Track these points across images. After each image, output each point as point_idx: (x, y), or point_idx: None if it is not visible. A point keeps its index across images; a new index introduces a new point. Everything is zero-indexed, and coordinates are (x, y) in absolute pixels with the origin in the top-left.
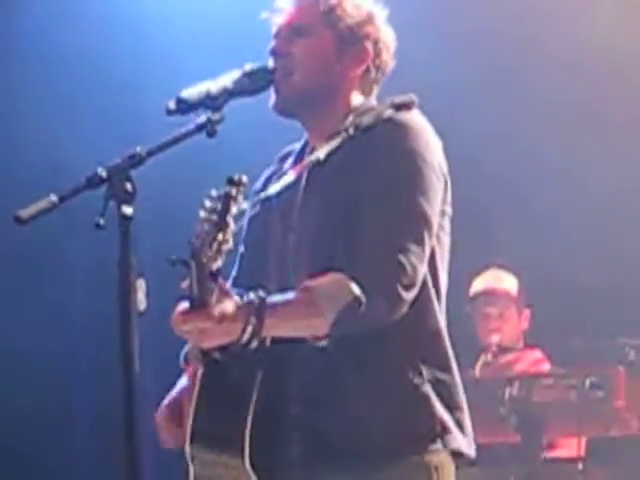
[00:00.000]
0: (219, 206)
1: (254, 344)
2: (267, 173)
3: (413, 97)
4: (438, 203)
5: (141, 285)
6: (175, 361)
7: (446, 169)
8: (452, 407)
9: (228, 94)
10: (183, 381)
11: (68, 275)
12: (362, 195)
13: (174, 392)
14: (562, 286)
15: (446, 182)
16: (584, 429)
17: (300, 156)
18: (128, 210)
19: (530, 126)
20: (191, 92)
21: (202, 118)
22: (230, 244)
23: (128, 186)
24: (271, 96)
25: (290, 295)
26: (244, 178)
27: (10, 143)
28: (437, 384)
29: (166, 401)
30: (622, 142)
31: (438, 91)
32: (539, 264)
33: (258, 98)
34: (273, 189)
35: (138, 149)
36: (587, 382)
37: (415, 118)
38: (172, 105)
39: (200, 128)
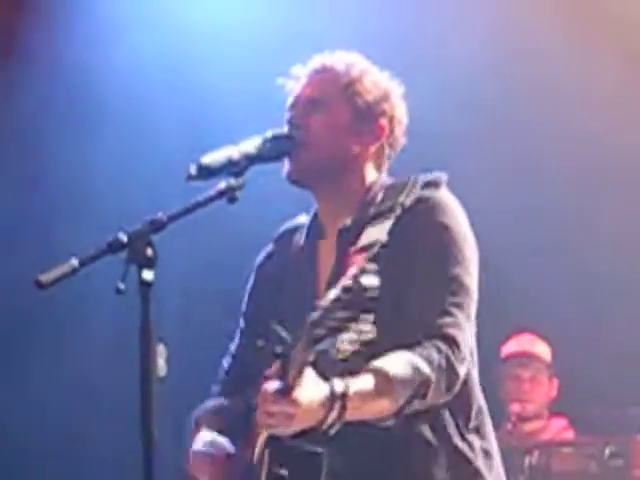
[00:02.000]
0: (350, 296)
1: (334, 430)
2: (266, 251)
3: (441, 175)
4: (476, 276)
5: (162, 351)
6: None
7: (474, 241)
8: (497, 476)
9: (250, 160)
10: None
11: (89, 341)
12: (410, 275)
13: (208, 439)
14: (583, 355)
15: (476, 253)
16: None
17: (314, 231)
18: (149, 275)
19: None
20: (212, 158)
21: (223, 184)
22: (370, 333)
23: (149, 251)
24: (285, 165)
25: (367, 379)
26: (372, 267)
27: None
28: (486, 457)
29: (201, 444)
30: None
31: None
32: (564, 332)
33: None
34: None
35: (159, 214)
36: (607, 451)
37: (448, 196)
38: (193, 171)
39: (221, 194)
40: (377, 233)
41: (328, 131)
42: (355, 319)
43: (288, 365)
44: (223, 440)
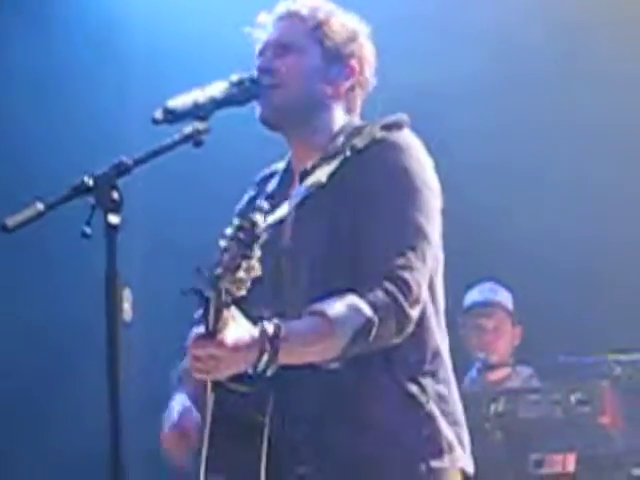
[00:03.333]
0: (243, 234)
1: (269, 372)
2: (248, 195)
3: (404, 117)
4: (436, 220)
5: (127, 295)
6: (160, 370)
7: (438, 187)
8: (453, 423)
9: (215, 104)
10: (180, 400)
11: (54, 284)
12: (362, 216)
13: (175, 414)
14: (547, 301)
15: (439, 199)
16: (570, 445)
17: (286, 177)
18: (114, 219)
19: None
20: (178, 102)
21: (189, 128)
22: (257, 271)
23: (115, 195)
24: (257, 108)
25: (304, 321)
26: (266, 205)
27: None
28: (440, 401)
29: (170, 424)
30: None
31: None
32: (527, 279)
33: (244, 109)
34: (280, 213)
35: (124, 158)
36: (573, 398)
37: (407, 137)
38: (159, 115)
39: (187, 138)
40: (320, 175)
41: (298, 73)
42: (246, 256)
43: (208, 307)
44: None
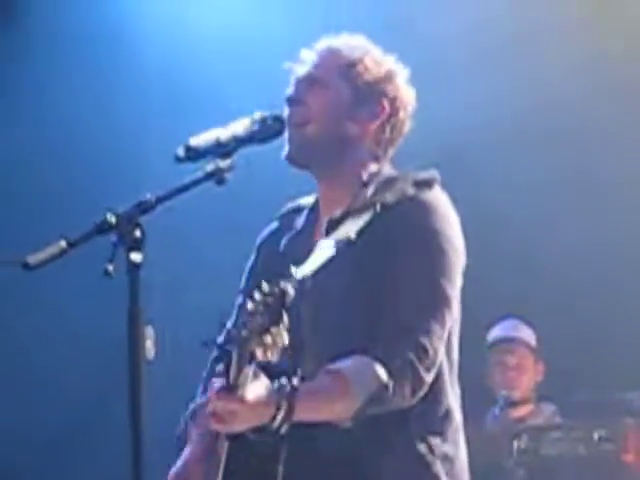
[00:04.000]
0: (271, 300)
1: (284, 430)
2: (270, 228)
3: (435, 174)
4: (458, 281)
5: (150, 333)
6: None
7: (463, 246)
8: None
9: (238, 142)
10: (188, 450)
11: (78, 323)
12: (385, 275)
13: (182, 461)
14: (570, 337)
15: (463, 259)
16: None
17: (312, 217)
18: (137, 257)
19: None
20: (200, 139)
21: (211, 166)
22: (285, 339)
23: (137, 233)
24: (284, 146)
25: (321, 380)
26: (295, 272)
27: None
28: (446, 461)
29: (175, 470)
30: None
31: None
32: (549, 316)
33: (268, 147)
34: (308, 268)
35: (148, 196)
36: (596, 435)
37: (438, 197)
38: (181, 152)
39: (209, 176)
40: (349, 229)
41: (327, 109)
42: (273, 323)
43: (230, 362)
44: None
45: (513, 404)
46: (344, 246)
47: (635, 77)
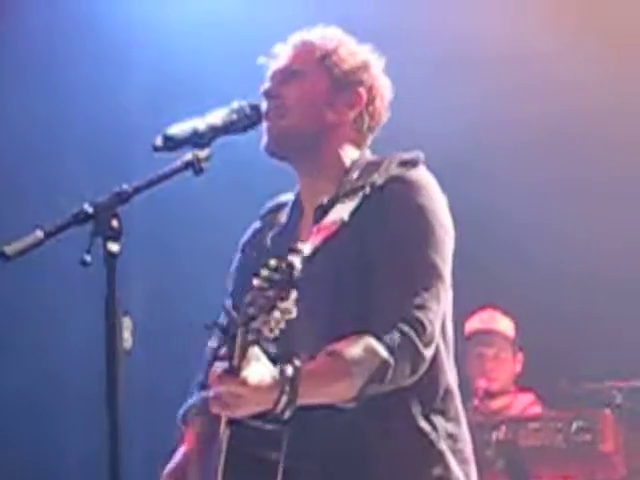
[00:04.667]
0: (279, 275)
1: (287, 414)
2: (254, 227)
3: (419, 153)
4: (449, 258)
5: (127, 323)
6: (163, 402)
7: (452, 225)
8: (462, 461)
9: (216, 131)
10: (182, 446)
11: (53, 312)
12: (377, 255)
13: (176, 459)
14: (549, 328)
15: (452, 237)
16: (571, 473)
17: (295, 210)
18: (114, 247)
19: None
20: (178, 129)
21: (189, 155)
22: (293, 313)
23: (114, 223)
24: (261, 137)
25: (321, 362)
26: (302, 246)
27: None
28: (450, 439)
29: (169, 469)
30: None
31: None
32: (529, 306)
33: (246, 137)
34: (302, 246)
35: (125, 186)
36: (574, 425)
37: (423, 175)
38: (159, 142)
39: (187, 166)
40: (340, 212)
41: (304, 100)
42: (282, 297)
43: (233, 345)
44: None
45: (492, 395)
46: (337, 228)
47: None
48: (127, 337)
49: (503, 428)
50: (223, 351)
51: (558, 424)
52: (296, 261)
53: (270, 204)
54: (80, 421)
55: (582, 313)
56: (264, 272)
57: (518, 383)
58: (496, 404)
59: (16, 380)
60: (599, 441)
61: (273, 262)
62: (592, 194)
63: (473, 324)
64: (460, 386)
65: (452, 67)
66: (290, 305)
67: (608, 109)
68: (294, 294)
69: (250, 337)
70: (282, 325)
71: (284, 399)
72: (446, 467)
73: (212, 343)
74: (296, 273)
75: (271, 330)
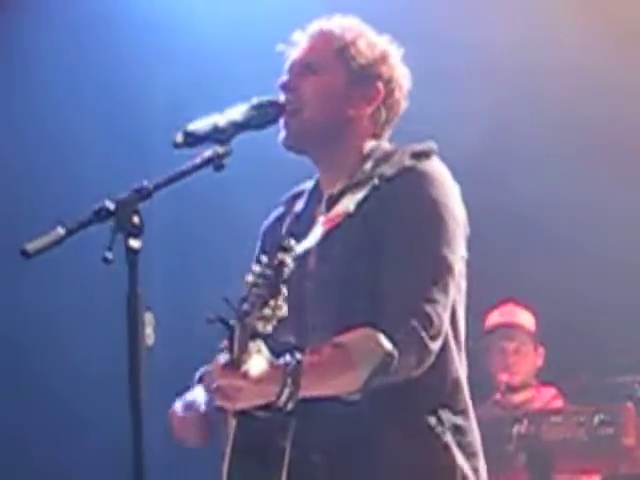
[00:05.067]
0: (270, 272)
1: (290, 406)
2: (275, 214)
3: (433, 144)
4: (460, 250)
5: (149, 319)
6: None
7: (464, 215)
8: (470, 455)
9: (236, 127)
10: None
11: (76, 311)
12: (387, 246)
13: (191, 400)
14: (570, 321)
15: (465, 228)
16: (594, 466)
17: (313, 197)
18: (136, 243)
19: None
20: (198, 125)
21: (209, 152)
22: (284, 310)
23: (135, 219)
24: (280, 131)
25: (324, 354)
26: (294, 244)
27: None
28: (456, 432)
29: (181, 405)
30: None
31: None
32: (550, 300)
33: (266, 132)
34: (309, 242)
35: (145, 182)
36: (596, 419)
37: (436, 166)
38: (179, 138)
39: (207, 162)
40: (347, 203)
41: (321, 94)
42: (272, 295)
43: (233, 337)
44: (201, 399)
45: (513, 389)
46: (343, 219)
47: None
48: (149, 333)
49: (525, 422)
50: (224, 343)
51: (580, 418)
52: (287, 259)
53: (293, 191)
54: (103, 418)
55: (604, 307)
56: (256, 268)
57: (540, 378)
58: (518, 398)
59: (39, 378)
60: (621, 435)
61: (265, 259)
62: (611, 190)
63: (494, 318)
64: (481, 380)
65: (471, 76)
66: (280, 302)
67: (623, 114)
68: (284, 291)
69: (248, 331)
70: (274, 322)
71: (286, 392)
72: (451, 460)
73: None
74: (287, 271)
75: (264, 326)
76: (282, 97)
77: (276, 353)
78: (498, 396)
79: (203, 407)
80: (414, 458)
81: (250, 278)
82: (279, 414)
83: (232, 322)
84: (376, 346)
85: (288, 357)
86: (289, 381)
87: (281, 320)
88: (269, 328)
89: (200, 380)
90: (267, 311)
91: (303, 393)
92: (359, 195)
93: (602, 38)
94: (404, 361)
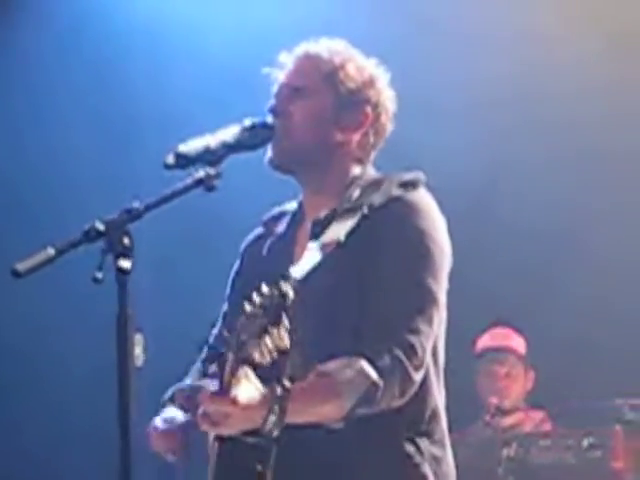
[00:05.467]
0: (271, 302)
1: (275, 433)
2: (256, 233)
3: (420, 174)
4: (444, 282)
5: (139, 340)
6: None
7: (450, 247)
8: None
9: (227, 149)
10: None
11: (66, 330)
12: (373, 276)
13: (162, 416)
14: (558, 346)
15: (449, 260)
16: None
17: (296, 219)
18: (126, 264)
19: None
20: (190, 146)
21: (200, 173)
22: (286, 342)
23: (126, 240)
24: (267, 152)
25: (311, 383)
26: (294, 274)
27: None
28: (434, 462)
29: (156, 423)
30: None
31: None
32: (539, 324)
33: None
34: (301, 269)
35: (136, 203)
36: (585, 442)
37: (423, 197)
38: (170, 160)
39: (198, 183)
40: (337, 231)
41: (310, 118)
42: (274, 325)
43: (224, 366)
44: (179, 416)
45: (503, 412)
46: (333, 248)
47: None
48: (139, 354)
49: (514, 445)
50: (212, 369)
51: (569, 441)
52: (288, 289)
53: (274, 211)
54: (90, 438)
55: (593, 330)
56: (256, 298)
57: (529, 401)
58: (507, 421)
59: (31, 390)
60: (610, 458)
61: (265, 289)
62: (607, 217)
63: (485, 341)
64: (471, 402)
65: (472, 107)
66: (282, 332)
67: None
68: (286, 322)
69: (240, 363)
70: (274, 353)
71: (272, 418)
72: None
73: (208, 343)
74: (288, 302)
75: (262, 355)
76: (270, 120)
77: (261, 378)
78: (487, 418)
79: (182, 422)
80: None
81: (248, 308)
82: (263, 439)
83: (225, 351)
84: (362, 376)
85: (275, 385)
86: (276, 408)
87: (283, 353)
88: (267, 360)
89: (171, 400)
90: (267, 341)
91: (289, 419)
92: (349, 223)
93: (600, 60)
94: (388, 391)
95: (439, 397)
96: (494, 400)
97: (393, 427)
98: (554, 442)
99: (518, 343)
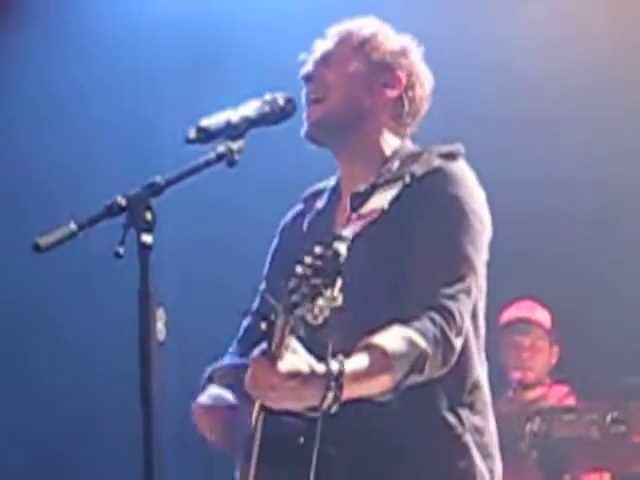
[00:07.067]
0: (324, 263)
1: (333, 410)
2: (295, 211)
3: (459, 146)
4: (484, 251)
5: (161, 315)
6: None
7: (489, 219)
8: (486, 456)
9: (249, 123)
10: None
11: (88, 307)
12: (414, 244)
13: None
14: (585, 320)
15: (488, 232)
16: (605, 464)
17: (334, 194)
18: (148, 239)
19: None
20: (211, 121)
21: (222, 147)
22: (339, 301)
23: (148, 215)
24: (303, 124)
25: (364, 356)
26: (348, 233)
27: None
28: (476, 433)
29: (204, 397)
30: None
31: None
32: (566, 299)
33: (280, 128)
34: (347, 233)
35: (157, 178)
36: (608, 417)
37: (462, 168)
38: (192, 134)
39: (220, 157)
40: (380, 200)
41: (342, 83)
42: (328, 285)
43: (273, 331)
44: (228, 395)
45: (526, 386)
46: (377, 217)
47: None
48: (160, 328)
49: (537, 420)
50: (263, 327)
51: (592, 416)
52: (341, 248)
53: (313, 188)
54: (114, 413)
55: (620, 306)
56: (308, 259)
57: (553, 375)
58: (531, 395)
59: (47, 372)
60: (633, 433)
61: (318, 249)
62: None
63: (511, 313)
64: (493, 375)
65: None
66: (336, 293)
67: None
68: (339, 282)
69: (292, 324)
70: (326, 313)
71: (330, 395)
72: (471, 461)
73: (247, 319)
74: (341, 260)
75: (315, 317)
76: (304, 88)
77: (312, 342)
78: (511, 393)
79: (231, 401)
80: (434, 458)
81: (300, 269)
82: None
83: (273, 315)
84: (412, 346)
85: (331, 361)
86: (333, 384)
87: (335, 311)
88: (320, 320)
89: (210, 379)
90: (321, 302)
91: (345, 396)
92: (391, 192)
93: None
94: (434, 359)
95: (480, 368)
96: (517, 375)
97: (433, 398)
98: (577, 417)
99: (544, 316)
